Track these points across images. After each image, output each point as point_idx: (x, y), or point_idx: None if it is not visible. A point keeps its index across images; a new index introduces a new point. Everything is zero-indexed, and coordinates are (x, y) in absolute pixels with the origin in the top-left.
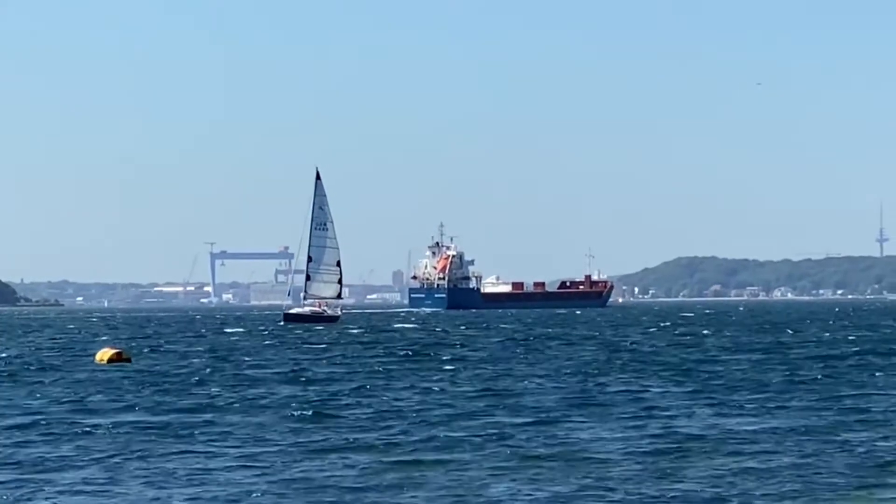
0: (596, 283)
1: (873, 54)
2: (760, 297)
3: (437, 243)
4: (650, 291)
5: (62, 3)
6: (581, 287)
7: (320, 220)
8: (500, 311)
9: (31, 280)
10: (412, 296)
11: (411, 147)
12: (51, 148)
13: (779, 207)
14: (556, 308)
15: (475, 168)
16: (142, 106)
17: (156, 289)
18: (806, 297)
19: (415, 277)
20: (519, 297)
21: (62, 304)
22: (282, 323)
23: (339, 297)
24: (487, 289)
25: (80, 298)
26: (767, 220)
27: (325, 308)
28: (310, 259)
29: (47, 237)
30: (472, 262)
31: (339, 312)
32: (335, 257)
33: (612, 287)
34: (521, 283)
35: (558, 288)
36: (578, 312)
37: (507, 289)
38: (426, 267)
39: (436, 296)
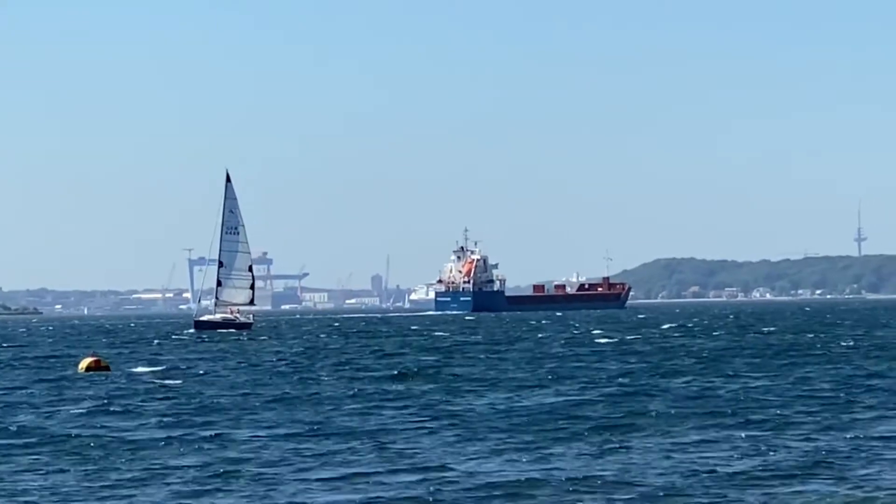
0: (614, 284)
1: (851, 55)
2: (740, 298)
3: (462, 248)
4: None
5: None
6: (600, 289)
7: (231, 224)
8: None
9: (10, 288)
10: (438, 299)
11: (404, 152)
12: (29, 156)
13: (757, 208)
14: (578, 309)
15: (470, 170)
16: (123, 115)
17: (135, 296)
18: (785, 298)
19: (440, 281)
20: (542, 300)
21: (41, 312)
22: (192, 330)
23: (251, 303)
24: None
25: (58, 306)
26: (745, 220)
27: (238, 315)
28: (220, 264)
29: (26, 245)
30: (496, 266)
31: (252, 319)
32: (246, 262)
33: (629, 289)
34: (542, 286)
35: (577, 290)
36: (598, 312)
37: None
38: (451, 271)
39: (461, 299)
